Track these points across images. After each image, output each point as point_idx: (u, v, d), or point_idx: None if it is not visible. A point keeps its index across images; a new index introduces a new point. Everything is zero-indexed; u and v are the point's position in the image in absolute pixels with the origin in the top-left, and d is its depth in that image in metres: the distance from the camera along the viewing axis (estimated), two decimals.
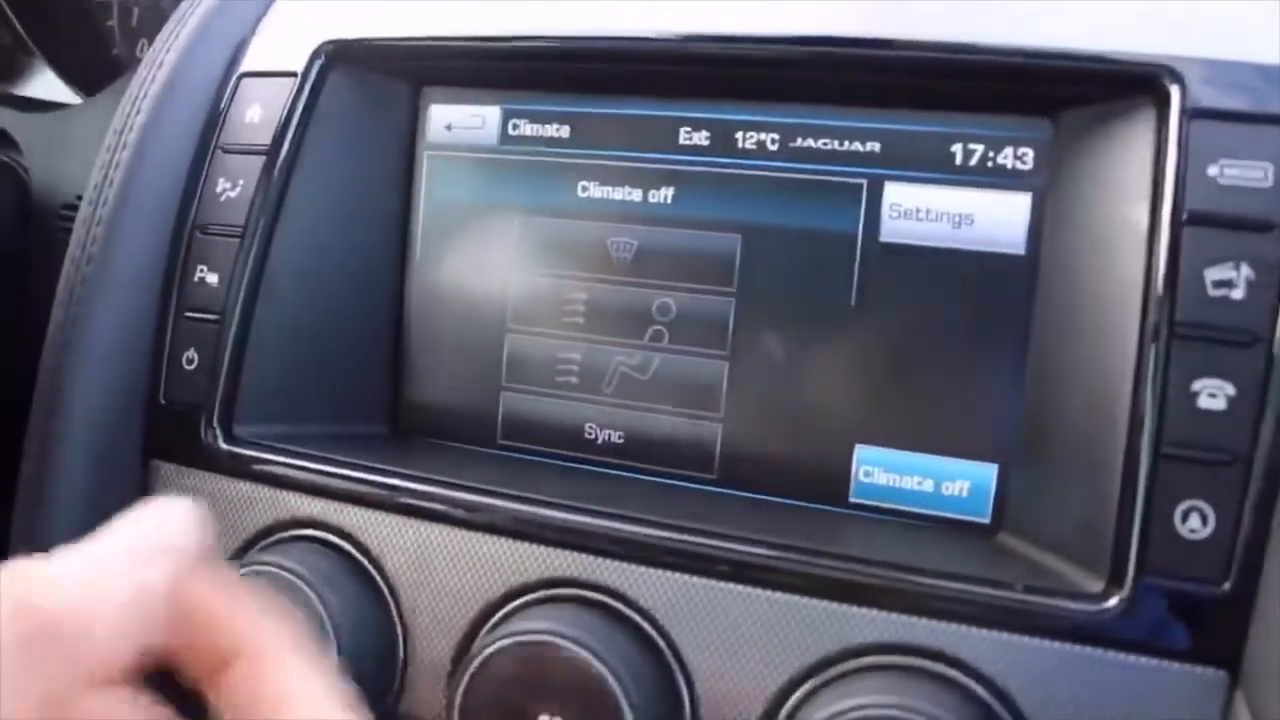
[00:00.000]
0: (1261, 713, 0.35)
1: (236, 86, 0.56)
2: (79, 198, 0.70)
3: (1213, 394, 0.39)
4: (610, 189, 0.52)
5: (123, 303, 0.53)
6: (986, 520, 0.47)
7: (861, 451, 0.48)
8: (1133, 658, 0.39)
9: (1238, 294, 0.39)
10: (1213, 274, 0.40)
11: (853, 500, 0.49)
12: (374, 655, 0.47)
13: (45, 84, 0.90)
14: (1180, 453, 0.39)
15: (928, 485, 0.48)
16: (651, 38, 0.50)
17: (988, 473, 0.47)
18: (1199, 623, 0.38)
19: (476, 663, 0.43)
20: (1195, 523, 0.38)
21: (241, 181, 0.54)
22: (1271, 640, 0.36)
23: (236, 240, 0.53)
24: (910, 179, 0.48)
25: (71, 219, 0.72)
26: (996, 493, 0.47)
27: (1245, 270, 0.39)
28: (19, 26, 0.85)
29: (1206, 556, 0.38)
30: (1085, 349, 0.43)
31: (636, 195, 0.52)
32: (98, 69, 0.86)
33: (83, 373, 0.53)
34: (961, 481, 0.47)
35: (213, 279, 0.53)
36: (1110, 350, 0.41)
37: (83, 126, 0.78)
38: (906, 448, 0.48)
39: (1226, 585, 0.38)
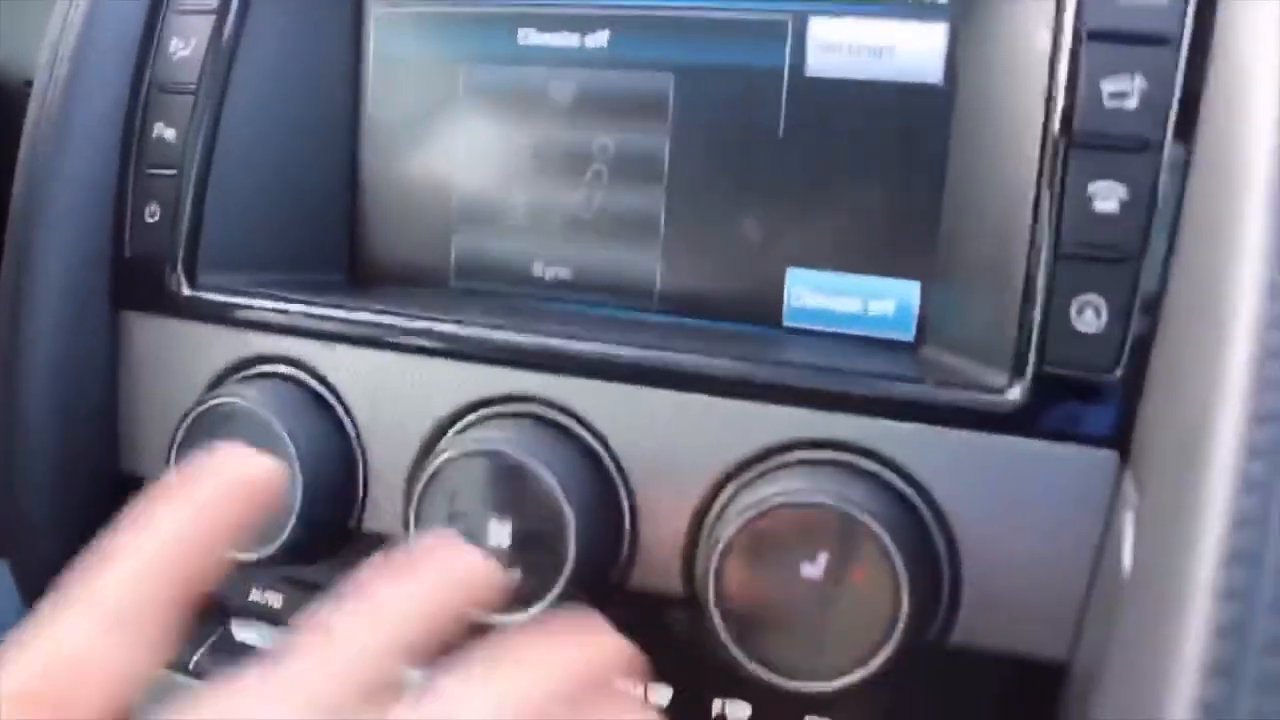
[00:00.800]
0: (1144, 485, 0.38)
1: None
2: None
3: (1106, 197, 0.41)
4: (549, 35, 0.54)
5: (84, 161, 0.55)
6: (910, 337, 0.50)
7: (794, 274, 0.51)
8: (1034, 442, 0.42)
9: (1132, 104, 0.42)
10: (1109, 85, 0.42)
11: (786, 324, 0.51)
12: (336, 478, 0.50)
13: None
14: (1076, 251, 0.41)
15: (855, 305, 0.50)
16: None
17: (911, 290, 0.50)
18: (1093, 408, 0.41)
19: (428, 474, 0.46)
20: (1090, 317, 0.41)
21: (194, 39, 0.55)
22: (1155, 422, 0.39)
23: (191, 97, 0.55)
24: (833, 13, 0.50)
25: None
26: (920, 309, 0.50)
27: (1139, 81, 0.41)
28: None
29: (1100, 347, 0.41)
30: (995, 167, 0.45)
31: (574, 40, 0.54)
32: None
33: (49, 232, 0.55)
34: (887, 300, 0.50)
35: (170, 134, 0.55)
36: (1017, 164, 0.44)
37: (40, 3, 0.79)
38: (835, 269, 0.50)
39: (1118, 373, 0.41)
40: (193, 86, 0.55)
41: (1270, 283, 0.33)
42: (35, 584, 0.59)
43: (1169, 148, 0.41)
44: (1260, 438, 0.31)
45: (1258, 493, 0.30)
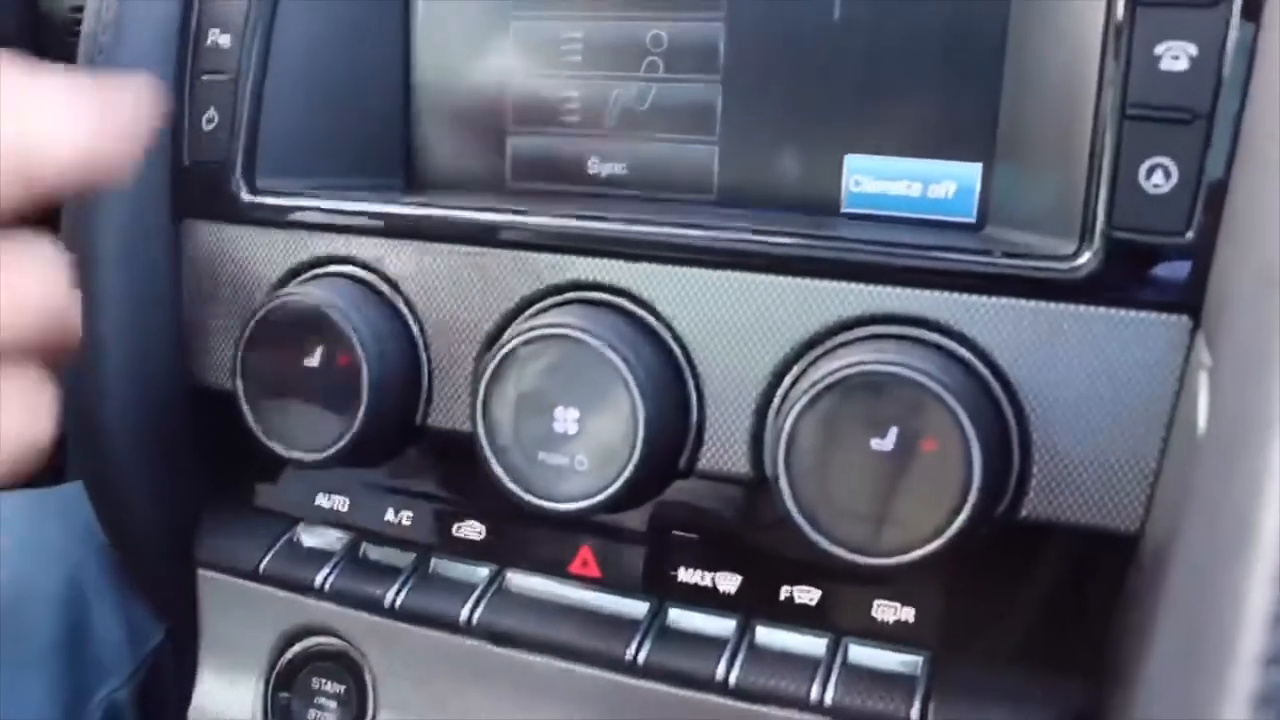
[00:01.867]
0: (1217, 346, 0.38)
1: None
2: None
3: (1175, 55, 0.40)
4: None
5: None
6: (973, 219, 0.49)
7: (851, 160, 0.51)
8: (1105, 310, 0.41)
9: None
10: None
11: (845, 210, 0.51)
12: (401, 373, 0.50)
13: None
14: (1143, 113, 0.41)
15: (915, 189, 0.50)
16: None
17: (972, 172, 0.49)
18: (1164, 272, 0.41)
19: (493, 364, 0.46)
20: (1159, 178, 0.40)
21: None
22: (1229, 281, 0.39)
23: (245, 1, 0.55)
24: None
25: (80, 14, 0.74)
26: (982, 191, 0.49)
27: None
28: None
29: (1170, 209, 0.40)
30: (1056, 36, 0.45)
31: None
32: None
33: None
34: (948, 183, 0.50)
35: (225, 40, 0.55)
36: (1080, 30, 0.43)
37: None
38: (894, 153, 0.50)
39: (1189, 235, 0.40)
40: None
41: None
42: (110, 504, 0.60)
43: (1239, 2, 0.40)
44: None
45: None
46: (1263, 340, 0.32)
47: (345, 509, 0.56)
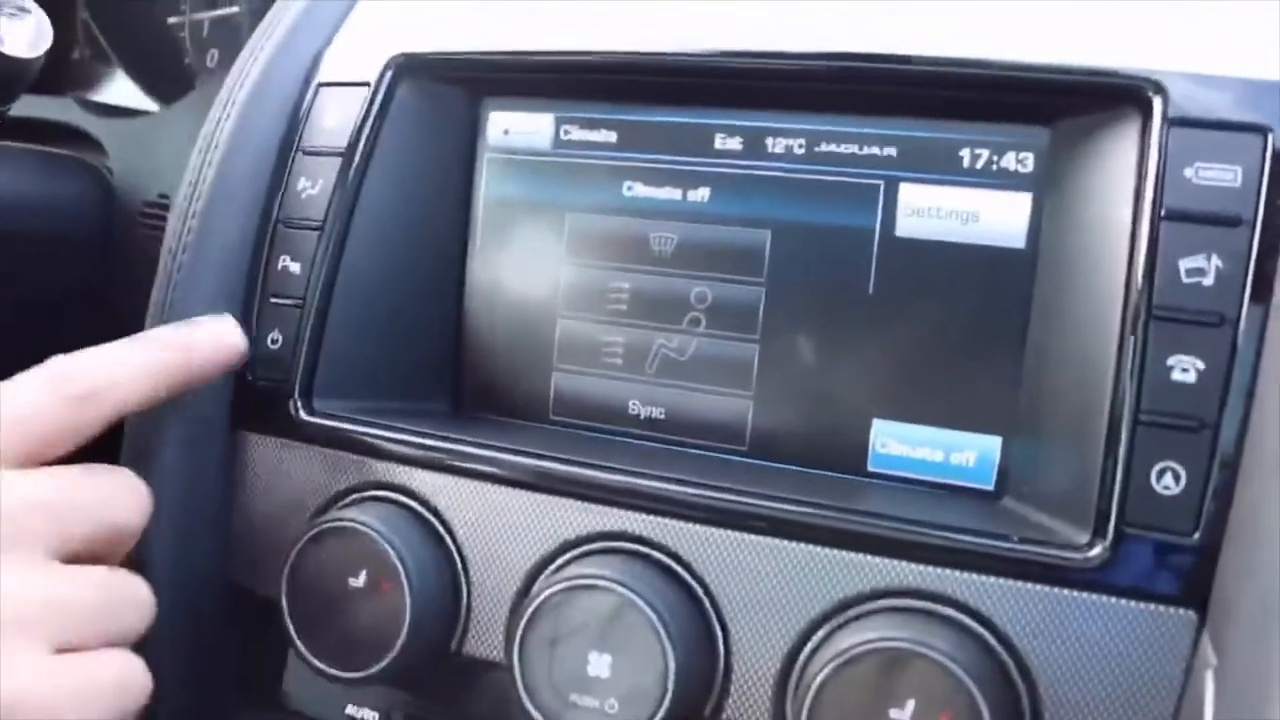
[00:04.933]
0: (1222, 646, 0.41)
1: (315, 94, 0.62)
2: (161, 196, 0.77)
3: (1185, 369, 0.44)
4: (653, 189, 0.58)
5: (214, 288, 0.59)
6: (991, 487, 0.52)
7: (878, 425, 0.54)
8: (1114, 600, 0.44)
9: (1208, 281, 0.44)
10: (1186, 263, 0.45)
11: (870, 469, 0.54)
12: (441, 602, 0.53)
13: (122, 92, 0.97)
14: (1155, 419, 0.44)
15: (938, 455, 0.53)
16: (689, 53, 0.55)
17: (992, 444, 0.52)
18: (1172, 569, 0.43)
19: (533, 605, 0.48)
20: (1169, 481, 0.44)
21: (320, 180, 0.60)
22: (1233, 583, 0.41)
23: (316, 233, 0.59)
24: (923, 180, 0.53)
25: (153, 216, 0.79)
26: (1000, 462, 0.52)
27: (1215, 260, 0.44)
28: (101, 39, 0.92)
29: (1178, 510, 0.43)
30: (1076, 332, 0.48)
31: (676, 194, 0.57)
32: (172, 78, 0.92)
33: None
34: (969, 452, 0.53)
35: (295, 267, 0.59)
36: (1097, 331, 0.47)
37: (162, 131, 0.84)
38: (919, 422, 0.53)
39: (1196, 536, 0.43)
40: (318, 222, 0.59)
41: None
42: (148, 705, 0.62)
43: (1244, 322, 0.44)
44: None
45: None
46: (1270, 645, 0.35)
47: None
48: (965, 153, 0.53)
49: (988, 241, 0.52)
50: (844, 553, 0.47)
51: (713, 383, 0.57)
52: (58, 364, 0.48)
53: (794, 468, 0.55)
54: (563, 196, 0.60)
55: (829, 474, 0.54)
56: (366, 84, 0.61)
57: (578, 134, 0.60)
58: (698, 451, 0.57)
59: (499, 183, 0.62)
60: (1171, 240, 0.45)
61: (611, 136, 0.59)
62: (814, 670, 0.45)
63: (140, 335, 0.53)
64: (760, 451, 0.56)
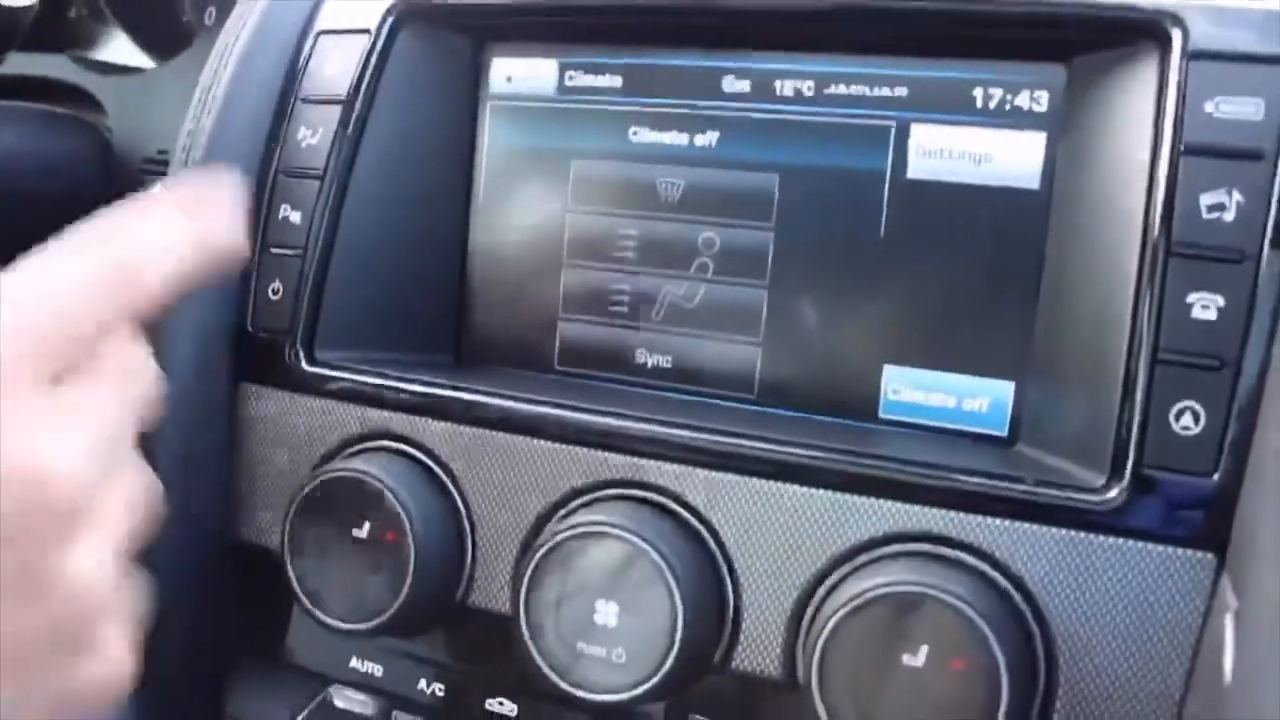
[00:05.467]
0: (1243, 589, 0.40)
1: (315, 43, 0.61)
2: (160, 151, 0.76)
3: (1205, 305, 0.43)
4: (659, 133, 0.57)
5: None
6: (1004, 433, 0.51)
7: (890, 371, 0.53)
8: (1132, 543, 0.43)
9: (1229, 216, 0.43)
10: (1207, 199, 0.44)
11: (882, 416, 0.53)
12: (445, 552, 0.52)
13: (119, 49, 0.95)
14: (1175, 358, 0.43)
15: (950, 401, 0.52)
16: None
17: (1005, 389, 0.51)
18: (1191, 511, 0.43)
19: (540, 553, 0.48)
20: (1188, 421, 0.43)
21: (320, 129, 0.59)
22: (1254, 526, 0.40)
23: (317, 182, 0.58)
24: (935, 120, 0.52)
25: (152, 172, 0.78)
26: (1014, 407, 0.51)
27: (1236, 195, 0.43)
28: None
29: (1198, 451, 0.42)
30: (1092, 272, 0.47)
31: (683, 139, 0.56)
32: (169, 35, 0.91)
33: (182, 303, 0.58)
34: (981, 398, 0.52)
35: (295, 217, 0.58)
36: (1114, 271, 0.46)
37: (160, 88, 0.83)
38: (931, 367, 0.52)
39: (1216, 477, 0.42)
40: (318, 171, 0.58)
41: None
42: (150, 660, 0.61)
43: (1266, 258, 0.43)
44: None
45: None
46: None
47: (380, 675, 0.57)
48: (978, 92, 0.51)
49: (1001, 183, 0.51)
50: (855, 497, 0.46)
51: (721, 330, 0.56)
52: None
53: (804, 415, 0.54)
54: (567, 143, 0.59)
55: (840, 421, 0.54)
56: (366, 31, 0.60)
57: (582, 79, 0.59)
58: (706, 399, 0.56)
59: (502, 131, 0.61)
60: (1191, 176, 0.44)
61: (616, 81, 0.58)
62: (825, 616, 0.44)
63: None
64: (769, 399, 0.55)
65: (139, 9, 0.93)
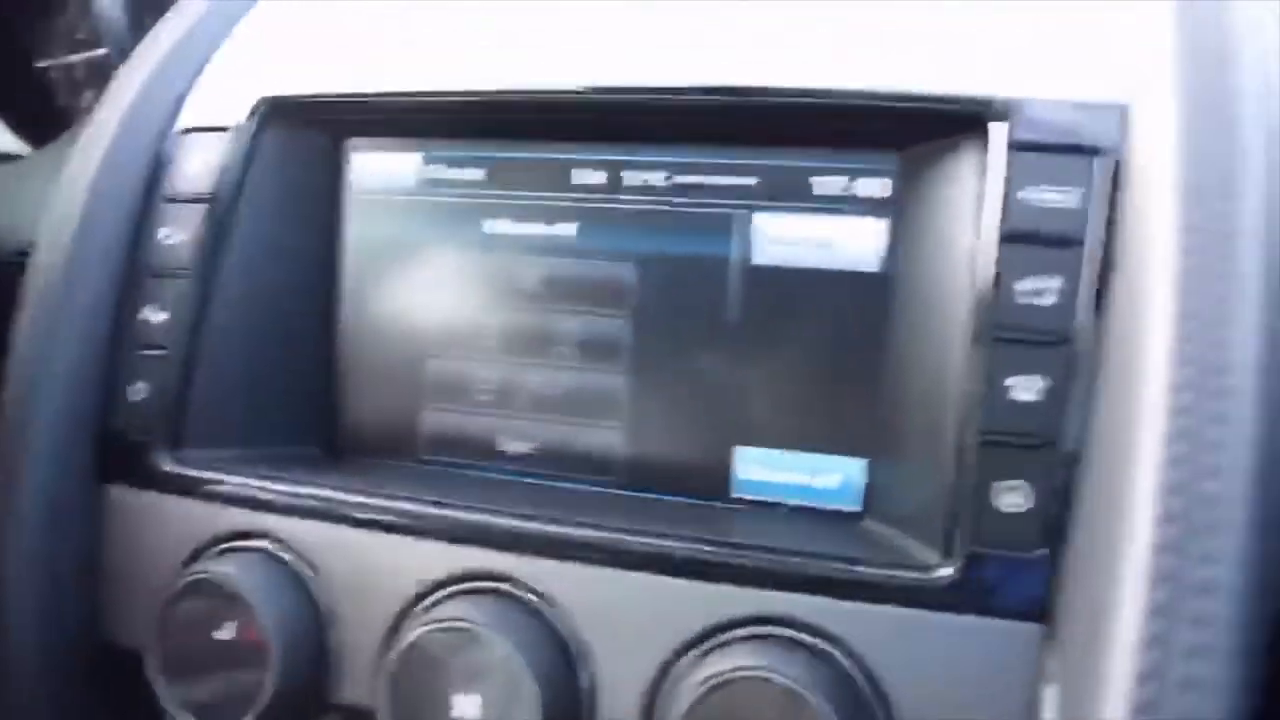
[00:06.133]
0: (1066, 658, 0.41)
1: (179, 140, 0.62)
2: (26, 247, 0.76)
3: (1026, 388, 0.45)
4: (518, 225, 0.58)
5: (77, 339, 0.59)
6: (859, 508, 0.53)
7: (740, 451, 0.54)
8: (965, 618, 0.44)
9: (1048, 301, 0.45)
10: (1026, 284, 0.46)
11: (736, 495, 0.54)
12: (308, 651, 0.52)
13: None
14: (999, 438, 0.45)
15: (803, 479, 0.54)
16: (549, 90, 0.56)
17: (857, 466, 0.53)
18: (1018, 585, 0.44)
19: (398, 649, 0.48)
20: (1015, 499, 0.44)
21: (185, 227, 0.59)
22: (1075, 596, 0.42)
23: (181, 281, 0.58)
24: (778, 209, 0.54)
25: (24, 264, 0.77)
26: (867, 483, 0.53)
27: (1055, 281, 0.45)
28: None
29: (1024, 527, 0.44)
30: (926, 354, 0.49)
31: (542, 230, 0.58)
32: (45, 120, 0.91)
33: (41, 405, 0.58)
34: (833, 474, 0.53)
35: (159, 317, 0.58)
36: (945, 353, 0.48)
37: (33, 175, 0.82)
38: (782, 446, 0.54)
39: (1041, 552, 0.44)
40: (183, 271, 0.58)
41: (1162, 484, 0.37)
42: None
43: (1083, 340, 0.45)
44: (1154, 630, 0.34)
45: (1153, 681, 0.33)
46: (1096, 665, 0.35)
47: None
48: (818, 180, 0.53)
49: (844, 266, 0.53)
50: (702, 583, 0.47)
51: (582, 416, 0.57)
52: None
53: (664, 497, 0.55)
54: (430, 236, 0.60)
55: (697, 501, 0.55)
56: (230, 129, 0.60)
57: (442, 173, 0.60)
58: (569, 484, 0.57)
59: (366, 224, 0.62)
60: (1011, 262, 0.46)
61: (477, 174, 0.59)
62: (673, 703, 0.45)
63: None
64: (631, 482, 0.56)
65: (13, 93, 0.93)
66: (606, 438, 0.56)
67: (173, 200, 0.60)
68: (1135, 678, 0.34)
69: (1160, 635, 0.34)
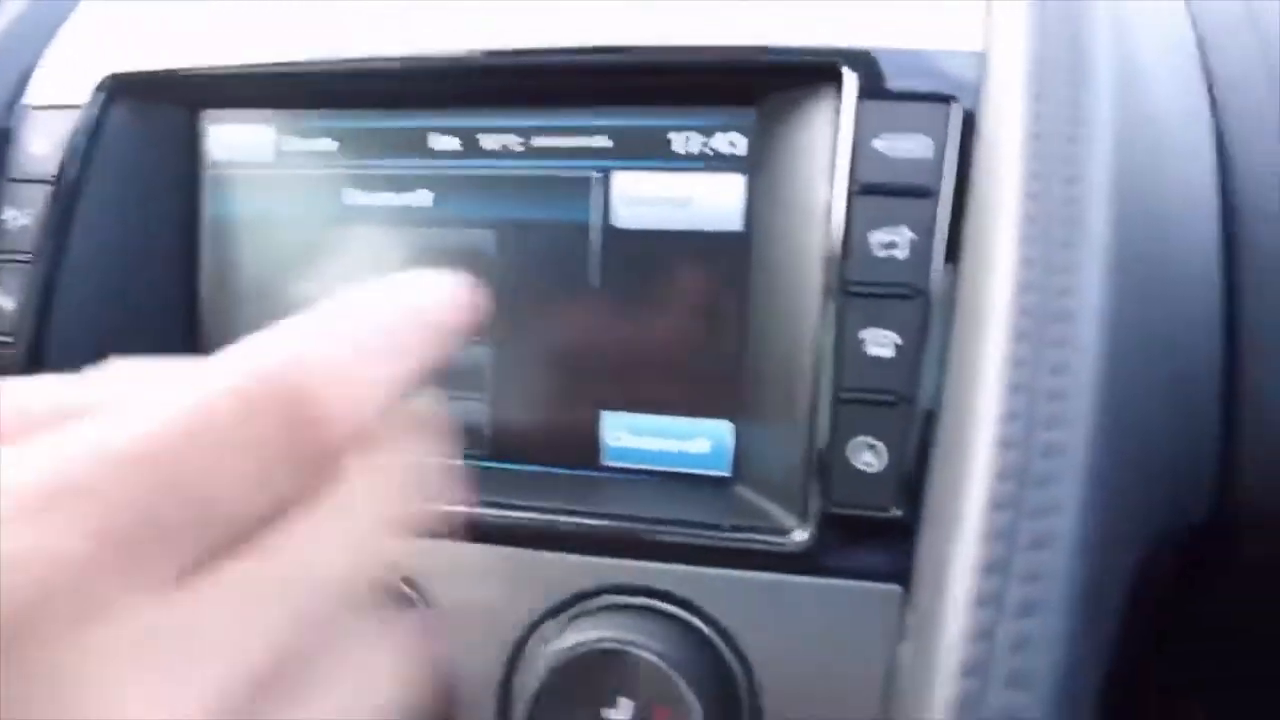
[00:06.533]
0: (924, 618, 0.41)
1: (22, 118, 0.59)
2: None
3: (880, 343, 0.44)
4: (373, 195, 0.56)
5: None
6: (728, 473, 0.52)
7: (607, 417, 0.53)
8: (824, 580, 0.44)
9: (901, 254, 0.44)
10: (879, 236, 0.45)
11: (605, 463, 0.53)
12: None
13: None
14: (853, 396, 0.44)
15: (672, 445, 0.52)
16: (400, 56, 0.54)
17: (724, 429, 0.52)
18: (875, 546, 0.43)
19: None
20: (869, 458, 0.44)
21: (30, 210, 0.57)
22: (931, 556, 0.41)
23: (25, 266, 0.56)
24: (635, 167, 0.52)
25: None
26: (736, 448, 0.52)
27: (908, 233, 0.45)
28: None
29: (879, 487, 0.43)
30: (784, 312, 0.48)
31: (397, 200, 0.56)
32: None
33: None
34: (701, 439, 0.52)
35: (7, 303, 0.56)
36: (800, 311, 0.47)
37: None
38: (649, 411, 0.53)
39: (897, 511, 0.43)
40: (29, 256, 0.56)
41: (998, 437, 0.36)
42: None
43: (935, 294, 0.44)
44: (986, 588, 0.33)
45: (984, 640, 0.32)
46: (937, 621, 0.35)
47: None
48: (675, 137, 0.52)
49: (704, 226, 0.52)
50: (565, 555, 0.46)
51: (448, 388, 0.55)
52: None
53: (534, 468, 0.54)
54: (287, 208, 0.58)
55: (567, 471, 0.54)
56: (77, 106, 0.58)
57: (297, 144, 0.58)
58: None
59: (223, 199, 0.60)
60: (864, 214, 0.45)
61: (331, 145, 0.57)
62: (530, 675, 0.44)
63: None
64: (501, 455, 0.55)
65: None
66: (474, 410, 0.55)
67: (17, 180, 0.58)
68: (967, 636, 0.33)
69: (993, 593, 0.34)
